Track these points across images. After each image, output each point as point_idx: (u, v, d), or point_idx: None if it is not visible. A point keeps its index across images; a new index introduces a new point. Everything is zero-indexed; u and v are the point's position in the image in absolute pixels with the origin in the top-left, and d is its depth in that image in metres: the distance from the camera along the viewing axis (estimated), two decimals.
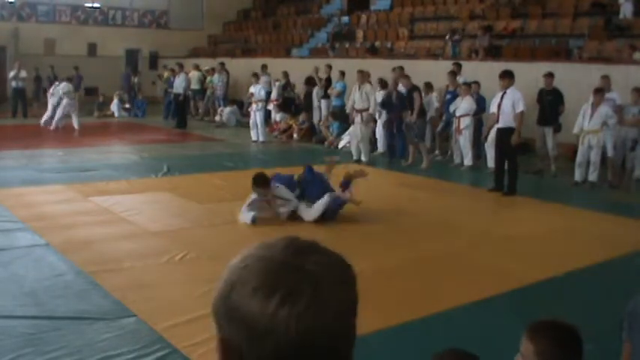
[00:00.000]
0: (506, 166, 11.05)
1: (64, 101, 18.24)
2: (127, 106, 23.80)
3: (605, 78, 12.47)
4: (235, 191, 9.84)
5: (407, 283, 6.27)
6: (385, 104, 13.98)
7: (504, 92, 10.87)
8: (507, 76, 11.02)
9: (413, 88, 13.42)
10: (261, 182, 8.31)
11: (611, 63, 15.23)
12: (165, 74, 25.32)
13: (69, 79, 19.23)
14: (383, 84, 14.82)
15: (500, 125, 10.92)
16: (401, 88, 13.82)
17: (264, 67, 21.27)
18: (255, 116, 17.02)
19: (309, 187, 8.61)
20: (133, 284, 5.83)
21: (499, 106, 10.85)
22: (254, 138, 17.00)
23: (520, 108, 10.71)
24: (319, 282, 1.01)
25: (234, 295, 1.02)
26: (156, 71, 28.13)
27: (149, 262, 6.53)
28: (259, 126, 17.02)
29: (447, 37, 19.47)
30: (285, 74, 20.16)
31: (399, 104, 13.60)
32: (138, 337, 4.72)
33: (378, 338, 4.84)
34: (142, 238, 7.51)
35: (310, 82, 18.76)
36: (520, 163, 13.44)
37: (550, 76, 12.95)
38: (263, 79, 20.05)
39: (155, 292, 5.66)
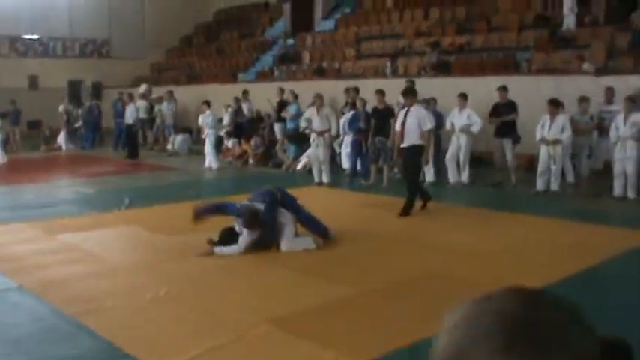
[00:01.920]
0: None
1: None
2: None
3: (609, 89, 12.54)
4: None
5: (398, 304, 6.19)
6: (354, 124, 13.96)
7: (408, 110, 10.45)
8: (410, 94, 10.81)
9: (387, 109, 13.36)
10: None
11: (561, 74, 15.55)
12: (87, 103, 24.80)
13: (2, 115, 18.96)
14: (352, 105, 14.89)
15: (405, 144, 10.39)
16: (367, 108, 13.94)
17: (245, 92, 20.82)
18: (206, 144, 16.98)
19: (295, 206, 8.56)
20: (121, 324, 5.61)
21: (403, 124, 10.39)
22: (206, 165, 16.86)
23: (428, 126, 10.37)
24: (564, 335, 0.91)
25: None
26: (99, 101, 27.60)
27: (132, 299, 6.30)
28: (208, 153, 16.92)
29: (388, 64, 19.68)
30: (237, 100, 20.07)
31: (366, 124, 13.64)
32: None
33: None
34: (117, 274, 7.26)
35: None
36: (478, 176, 13.65)
37: (504, 89, 13.16)
38: (245, 105, 20.01)
39: (146, 331, 5.43)
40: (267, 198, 8.32)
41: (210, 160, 16.89)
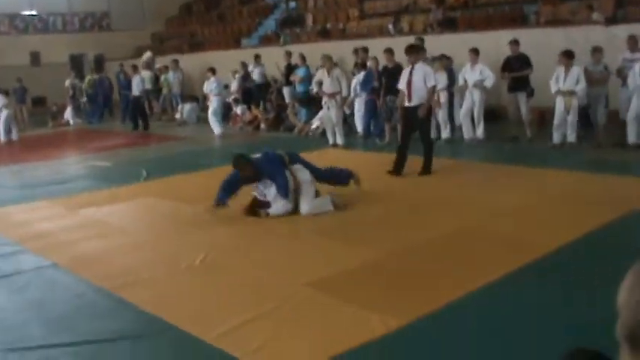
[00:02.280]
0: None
1: (3, 114, 18.02)
2: None
3: (632, 38, 12.19)
4: None
5: (432, 263, 6.18)
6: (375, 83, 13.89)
7: (412, 68, 10.18)
8: (414, 51, 10.42)
9: (397, 67, 13.15)
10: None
11: (570, 25, 15.39)
12: (88, 77, 24.70)
13: (5, 92, 18.94)
14: (362, 65, 14.81)
15: (413, 103, 10.12)
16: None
17: (257, 57, 20.46)
18: (209, 110, 17.05)
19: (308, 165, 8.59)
20: (161, 295, 5.62)
21: (409, 82, 10.13)
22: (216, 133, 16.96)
23: (432, 82, 10.13)
24: None
25: None
26: (103, 74, 27.47)
27: (168, 270, 6.31)
28: (210, 119, 16.95)
29: (391, 25, 19.38)
30: (244, 65, 19.96)
31: (379, 84, 13.58)
32: (193, 350, 4.51)
33: (425, 323, 4.77)
34: (147, 246, 7.27)
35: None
36: (492, 131, 13.61)
37: (515, 43, 13.04)
38: (257, 70, 19.78)
39: (187, 302, 5.45)
40: (268, 153, 8.40)
41: (214, 127, 16.95)
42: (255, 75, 19.84)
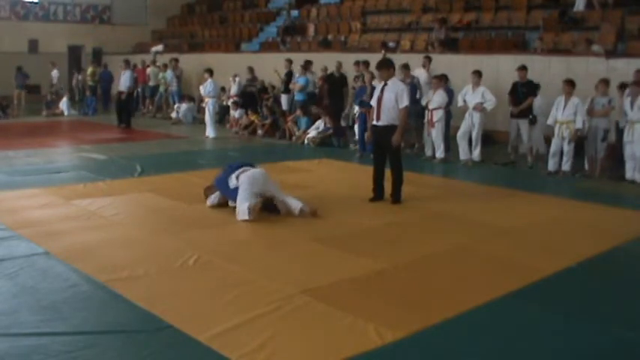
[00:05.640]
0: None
1: None
2: None
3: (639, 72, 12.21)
4: None
5: (430, 278, 6.19)
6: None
7: (385, 84, 9.38)
8: (387, 66, 9.48)
9: None
10: None
11: (570, 55, 15.52)
12: (90, 69, 24.65)
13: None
14: (355, 77, 14.86)
15: (382, 122, 9.33)
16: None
17: (308, 62, 18.50)
18: (205, 112, 17.04)
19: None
20: (155, 292, 5.58)
21: (379, 100, 9.37)
22: (206, 134, 17.11)
23: (405, 103, 9.24)
24: None
25: None
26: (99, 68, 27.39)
27: (162, 268, 6.26)
28: (207, 122, 16.96)
29: (382, 51, 19.30)
30: (251, 69, 20.03)
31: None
32: (186, 349, 4.49)
33: (421, 338, 4.77)
34: (141, 242, 7.22)
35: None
36: (488, 154, 13.65)
37: (523, 69, 13.01)
38: (310, 77, 18.45)
39: (183, 300, 5.41)
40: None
41: (209, 129, 16.96)
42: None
